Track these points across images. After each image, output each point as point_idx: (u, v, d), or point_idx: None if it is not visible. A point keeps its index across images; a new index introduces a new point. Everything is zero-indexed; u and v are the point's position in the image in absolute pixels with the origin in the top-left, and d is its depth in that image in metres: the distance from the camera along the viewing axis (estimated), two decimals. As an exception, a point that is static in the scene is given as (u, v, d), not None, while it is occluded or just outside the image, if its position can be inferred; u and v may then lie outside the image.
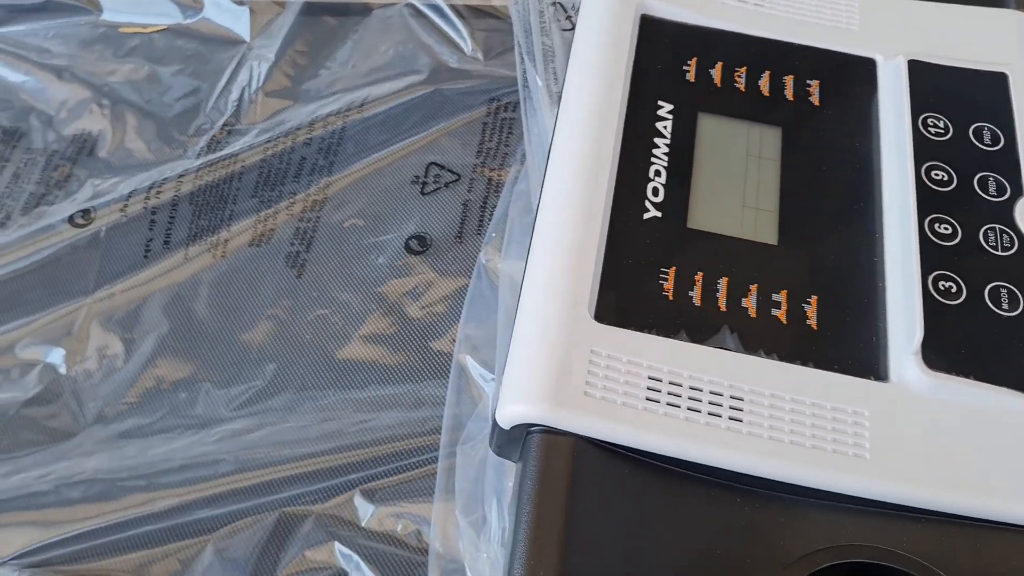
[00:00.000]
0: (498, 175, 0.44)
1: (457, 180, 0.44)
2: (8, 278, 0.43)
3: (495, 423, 0.30)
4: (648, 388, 0.29)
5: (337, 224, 0.44)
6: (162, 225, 0.44)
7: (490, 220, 0.43)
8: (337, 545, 0.35)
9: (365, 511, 0.36)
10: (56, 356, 0.41)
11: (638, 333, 0.30)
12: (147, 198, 0.44)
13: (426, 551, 0.35)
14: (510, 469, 0.33)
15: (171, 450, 0.37)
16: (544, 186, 0.34)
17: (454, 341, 0.39)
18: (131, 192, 0.44)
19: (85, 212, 0.44)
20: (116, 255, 0.44)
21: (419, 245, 0.42)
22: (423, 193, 0.44)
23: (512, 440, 0.30)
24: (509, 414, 0.29)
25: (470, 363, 0.37)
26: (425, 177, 0.45)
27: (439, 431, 0.36)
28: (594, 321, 0.30)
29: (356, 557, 0.34)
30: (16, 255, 0.43)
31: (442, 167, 0.45)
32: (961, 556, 0.28)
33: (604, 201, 0.33)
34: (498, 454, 0.31)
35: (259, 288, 0.42)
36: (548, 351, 0.29)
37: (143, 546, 0.35)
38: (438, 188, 0.44)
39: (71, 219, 0.44)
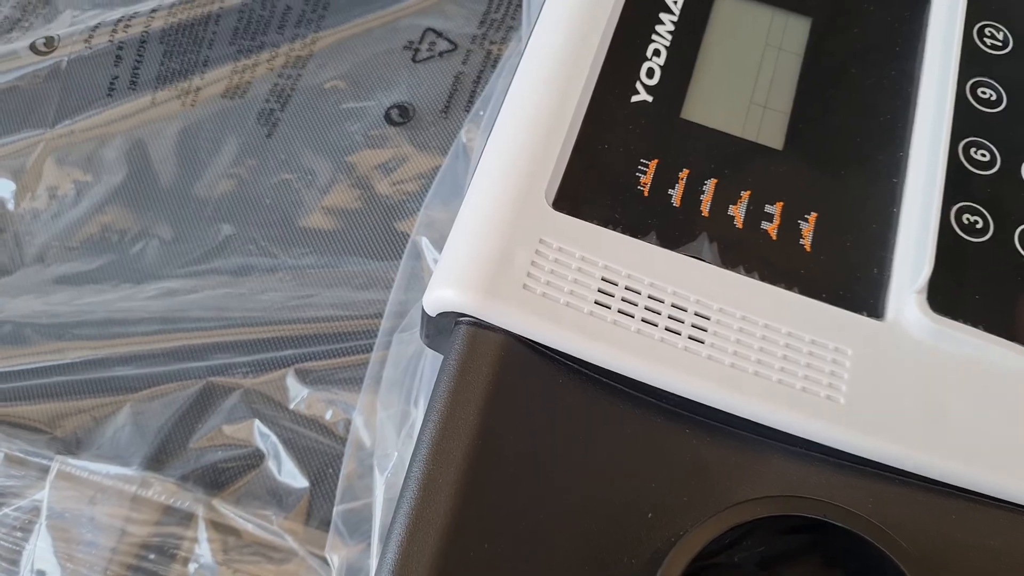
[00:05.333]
0: (498, 49, 0.40)
1: (453, 50, 0.40)
2: (-38, 102, 0.40)
3: (423, 309, 0.26)
4: (599, 291, 0.25)
5: (318, 85, 0.40)
6: (128, 63, 0.40)
7: (480, 95, 0.38)
8: (257, 423, 0.32)
9: (296, 392, 0.33)
10: (6, 189, 0.39)
11: (599, 227, 0.26)
12: (114, 31, 0.41)
13: (343, 442, 0.32)
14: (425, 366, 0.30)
15: (102, 302, 0.35)
16: (526, 50, 0.30)
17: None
18: (97, 24, 0.41)
19: (48, 40, 0.40)
20: (77, 90, 0.40)
21: (400, 116, 0.39)
22: (414, 60, 0.40)
23: (441, 330, 0.26)
24: (437, 299, 0.25)
25: (426, 246, 0.33)
26: (419, 43, 0.40)
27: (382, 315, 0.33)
28: (549, 207, 0.26)
29: (275, 439, 0.32)
30: (-27, 78, 0.40)
31: (439, 34, 0.40)
32: (932, 528, 0.24)
33: (587, 75, 0.28)
34: (428, 345, 0.28)
35: (225, 143, 0.39)
36: (490, 234, 0.26)
37: (58, 396, 0.33)
38: (431, 56, 0.40)
39: (33, 46, 0.41)
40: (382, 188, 0.37)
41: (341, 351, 0.33)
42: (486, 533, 0.23)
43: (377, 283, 0.34)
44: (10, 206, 0.38)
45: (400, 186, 0.37)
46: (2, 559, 0.31)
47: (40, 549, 0.30)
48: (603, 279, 0.26)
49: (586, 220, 0.26)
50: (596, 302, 0.25)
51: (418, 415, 0.29)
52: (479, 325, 0.25)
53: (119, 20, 0.41)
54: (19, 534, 0.31)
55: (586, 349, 0.25)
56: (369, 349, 0.33)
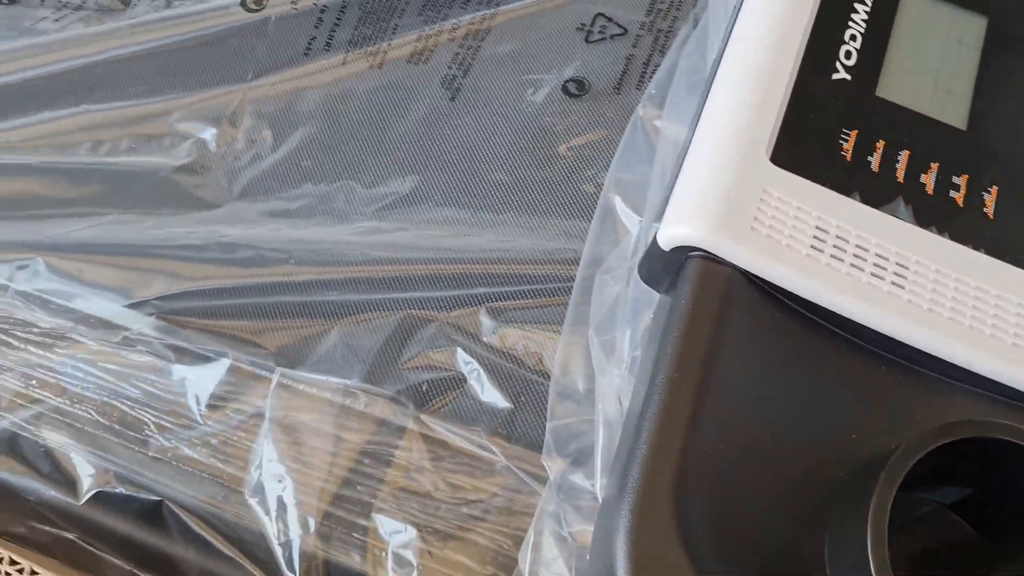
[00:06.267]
0: (665, 36, 0.43)
1: (623, 34, 0.44)
2: (174, 48, 0.44)
3: (653, 244, 0.30)
4: (814, 237, 0.29)
5: (497, 56, 0.43)
6: (328, 25, 0.44)
7: (651, 77, 0.42)
8: (459, 350, 0.35)
9: (489, 327, 0.36)
10: (208, 134, 0.42)
11: (812, 183, 0.30)
12: (317, -5, 0.45)
13: (544, 374, 0.35)
14: (646, 307, 0.33)
15: (310, 232, 0.38)
16: (734, 31, 0.33)
17: (599, 184, 0.39)
18: (302, -13, 0.45)
19: (258, -2, 0.44)
20: (279, 46, 0.44)
21: (577, 88, 0.42)
22: (587, 41, 0.43)
23: (667, 265, 0.30)
24: (673, 235, 0.29)
25: (618, 203, 0.36)
26: (591, 26, 0.44)
27: (573, 263, 0.37)
28: (770, 162, 0.30)
29: (477, 365, 0.35)
30: (185, 28, 0.44)
31: (610, 19, 0.44)
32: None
33: (795, 53, 0.32)
34: (645, 280, 0.31)
35: (411, 103, 0.42)
36: (722, 180, 0.29)
37: (270, 315, 0.37)
38: (603, 39, 0.43)
39: (243, 2, 0.44)
40: (562, 151, 0.40)
41: (530, 292, 0.37)
42: (716, 446, 0.26)
43: (567, 235, 0.38)
44: (212, 147, 0.42)
45: (580, 151, 0.40)
46: (231, 456, 0.34)
47: (267, 449, 0.34)
48: (817, 227, 0.29)
49: (800, 175, 0.30)
50: (811, 247, 0.29)
51: (625, 344, 0.32)
52: (710, 259, 0.28)
53: (322, -15, 0.45)
54: (243, 434, 0.35)
55: (805, 285, 0.28)
56: (559, 292, 0.36)
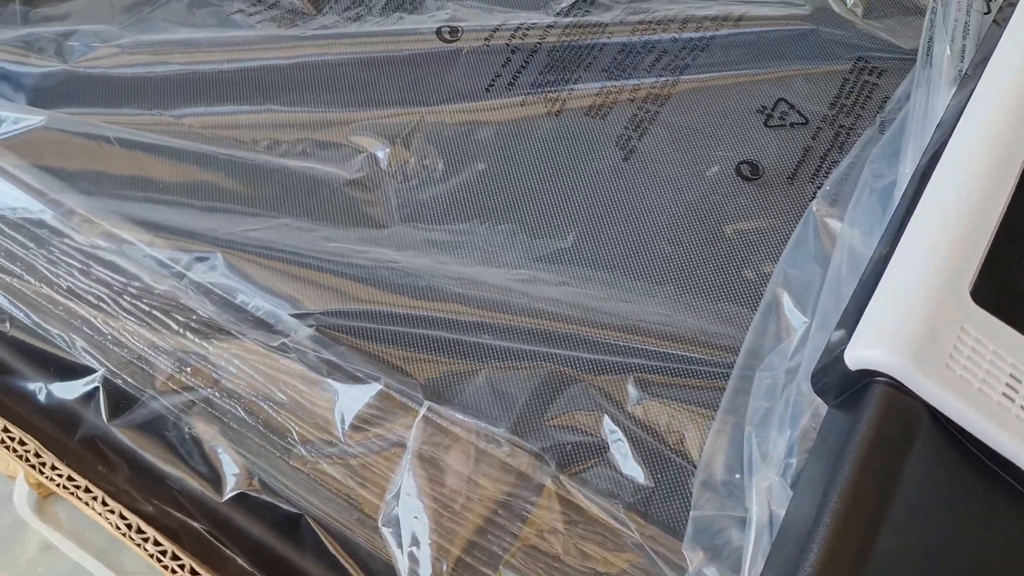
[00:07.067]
0: (847, 133, 0.43)
1: (804, 124, 0.43)
2: (362, 63, 0.45)
3: (837, 359, 0.29)
4: (1007, 385, 0.28)
5: (674, 123, 0.44)
6: (515, 65, 0.45)
7: (826, 171, 0.42)
8: (606, 417, 0.35)
9: (634, 397, 0.36)
10: (381, 151, 0.43)
11: (1010, 328, 0.29)
12: (512, 36, 0.45)
13: (685, 456, 0.35)
14: (805, 411, 0.33)
15: (474, 271, 0.38)
16: (944, 154, 0.33)
17: (763, 272, 0.39)
18: (499, 26, 0.45)
19: (454, 30, 0.45)
20: (464, 78, 0.45)
21: (750, 172, 0.42)
22: (766, 125, 0.43)
23: (845, 382, 0.30)
24: (863, 357, 0.29)
25: (785, 299, 0.36)
26: (772, 110, 0.44)
27: (728, 349, 0.36)
28: (970, 299, 0.30)
29: (621, 435, 0.35)
30: (378, 46, 0.45)
31: (792, 106, 0.44)
32: None
33: (1008, 189, 0.32)
34: (817, 390, 0.31)
35: (584, 156, 0.43)
36: (921, 310, 0.29)
37: (424, 347, 0.37)
38: (782, 125, 0.43)
39: (439, 32, 0.45)
40: (729, 232, 0.40)
41: (680, 371, 0.37)
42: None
43: (724, 319, 0.38)
44: (383, 165, 0.43)
45: (746, 235, 0.40)
46: (368, 480, 0.35)
47: (406, 483, 0.34)
48: (1011, 375, 0.29)
49: (1000, 318, 0.29)
50: (1003, 394, 0.28)
51: (780, 446, 0.32)
52: (898, 389, 0.28)
53: (518, 27, 0.45)
54: (382, 461, 0.35)
55: (990, 435, 0.28)
56: (709, 376, 0.36)
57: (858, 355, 0.29)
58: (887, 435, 0.28)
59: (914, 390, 0.28)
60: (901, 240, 0.31)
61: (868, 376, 0.29)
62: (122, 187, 0.41)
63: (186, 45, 0.45)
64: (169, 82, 0.45)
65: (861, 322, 0.30)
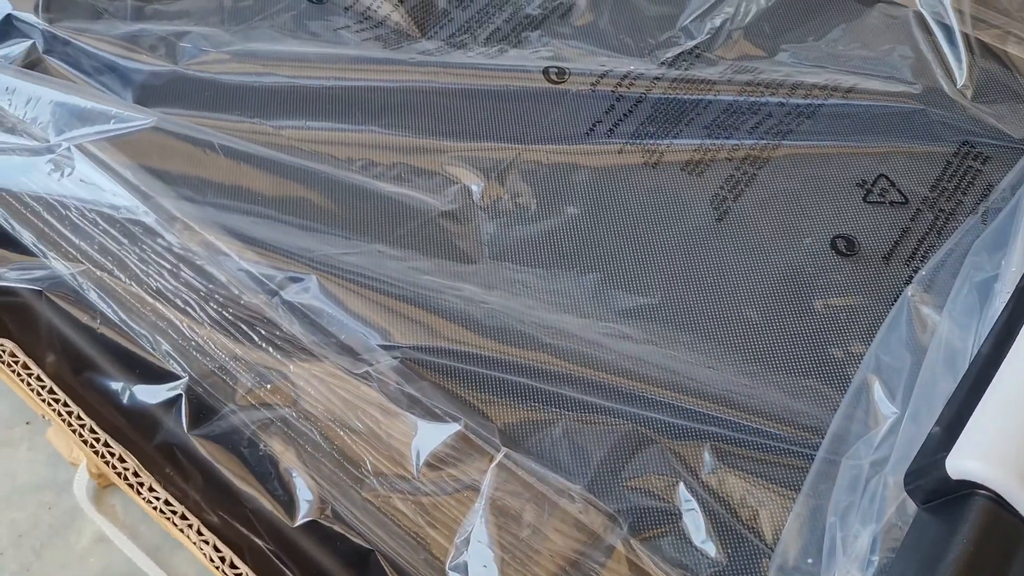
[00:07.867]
0: (947, 217, 0.42)
1: (903, 203, 0.43)
2: (466, 94, 0.45)
3: (936, 465, 0.29)
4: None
5: (772, 188, 0.43)
6: (618, 113, 0.45)
7: (923, 255, 0.41)
8: (681, 485, 0.35)
9: (709, 465, 0.36)
10: (476, 183, 0.43)
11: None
12: (619, 84, 0.45)
13: (758, 533, 0.35)
14: (887, 504, 0.33)
15: (563, 321, 0.38)
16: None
17: (851, 352, 0.38)
18: (606, 72, 0.45)
19: (561, 72, 0.45)
20: (565, 120, 0.45)
21: (846, 247, 0.42)
22: (865, 200, 0.43)
23: (942, 488, 0.29)
24: (966, 467, 0.28)
25: (876, 386, 0.36)
26: (872, 185, 0.43)
27: (808, 429, 0.36)
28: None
29: (695, 504, 0.35)
30: (484, 79, 0.45)
31: (892, 184, 0.43)
32: None
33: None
34: (908, 491, 0.31)
35: (678, 212, 0.42)
36: (1030, 429, 0.28)
37: (506, 393, 0.37)
38: (882, 203, 0.43)
39: (546, 71, 0.45)
40: (819, 307, 0.40)
41: (758, 445, 0.36)
42: None
43: (808, 397, 0.37)
44: (476, 198, 0.43)
45: (837, 312, 0.40)
46: (438, 520, 0.35)
47: (477, 529, 0.34)
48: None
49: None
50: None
51: (864, 542, 0.32)
52: (1001, 505, 0.28)
53: (626, 75, 0.45)
54: (453, 503, 0.35)
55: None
56: (788, 454, 0.36)
57: (962, 465, 0.28)
58: (987, 553, 0.27)
59: (1019, 509, 0.28)
60: (1011, 350, 0.31)
61: (968, 487, 0.28)
62: (223, 196, 0.41)
63: (293, 59, 0.45)
64: (273, 93, 0.45)
65: (966, 431, 0.29)
